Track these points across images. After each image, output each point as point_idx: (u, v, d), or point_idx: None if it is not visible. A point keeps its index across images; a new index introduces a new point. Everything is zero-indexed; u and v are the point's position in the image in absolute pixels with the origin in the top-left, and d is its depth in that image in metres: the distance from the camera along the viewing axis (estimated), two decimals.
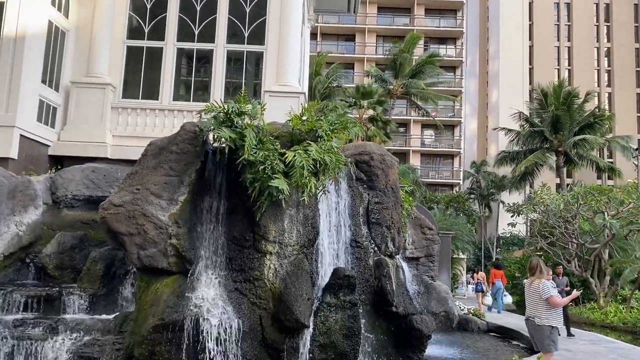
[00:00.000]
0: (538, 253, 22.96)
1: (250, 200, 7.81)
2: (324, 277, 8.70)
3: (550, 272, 8.25)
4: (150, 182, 8.07)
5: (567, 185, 33.73)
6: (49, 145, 12.59)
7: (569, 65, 68.76)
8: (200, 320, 7.13)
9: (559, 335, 7.64)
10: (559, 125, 34.07)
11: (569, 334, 11.56)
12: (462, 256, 28.19)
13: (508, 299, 20.69)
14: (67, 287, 8.69)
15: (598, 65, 69.54)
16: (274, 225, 8.15)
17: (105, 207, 7.94)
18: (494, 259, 37.63)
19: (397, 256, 10.50)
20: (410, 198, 13.05)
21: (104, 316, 8.09)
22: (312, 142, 8.16)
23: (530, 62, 67.60)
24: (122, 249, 8.12)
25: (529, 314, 7.66)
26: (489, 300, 19.60)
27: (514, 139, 37.36)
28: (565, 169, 35.69)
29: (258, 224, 8.08)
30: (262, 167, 7.59)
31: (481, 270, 21.37)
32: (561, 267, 13.56)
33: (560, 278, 12.30)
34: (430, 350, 9.77)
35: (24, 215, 9.72)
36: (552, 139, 34.71)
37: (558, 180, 37.22)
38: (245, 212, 8.10)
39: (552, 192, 23.08)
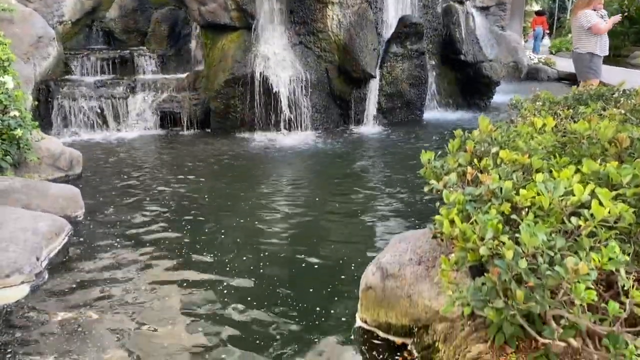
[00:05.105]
0: None
1: None
2: (390, 27, 8.37)
3: (599, 3, 7.24)
4: None
5: None
6: None
7: None
8: (269, 73, 7.24)
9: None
10: None
11: None
12: (535, 7, 26.20)
13: (546, 41, 21.28)
14: (136, 49, 8.87)
15: None
16: None
17: None
18: (569, 11, 34.76)
19: (467, 2, 9.79)
20: None
21: (176, 75, 8.34)
22: None
23: None
24: (183, 7, 7.99)
25: (573, 46, 7.34)
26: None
27: None
28: None
29: None
30: None
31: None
32: None
33: None
34: (497, 97, 9.73)
35: None
36: None
37: None
38: None
39: None
